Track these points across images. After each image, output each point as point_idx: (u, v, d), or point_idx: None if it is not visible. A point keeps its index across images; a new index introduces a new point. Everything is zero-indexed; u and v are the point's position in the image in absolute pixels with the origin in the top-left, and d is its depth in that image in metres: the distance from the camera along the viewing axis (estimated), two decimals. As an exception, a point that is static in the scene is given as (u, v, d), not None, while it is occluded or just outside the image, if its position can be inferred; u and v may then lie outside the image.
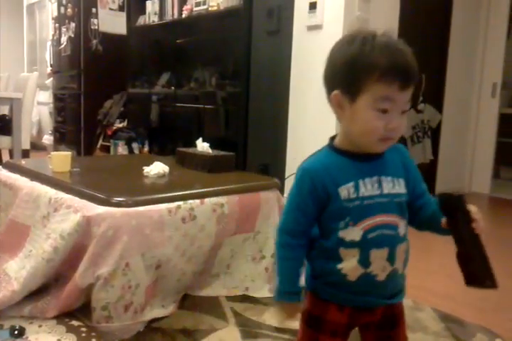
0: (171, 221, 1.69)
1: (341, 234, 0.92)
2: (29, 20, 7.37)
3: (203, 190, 1.89)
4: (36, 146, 6.10)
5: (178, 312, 1.74)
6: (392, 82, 0.85)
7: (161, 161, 2.20)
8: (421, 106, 4.04)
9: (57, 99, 5.74)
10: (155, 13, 4.43)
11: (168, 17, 4.28)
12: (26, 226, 1.84)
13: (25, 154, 3.49)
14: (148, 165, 2.17)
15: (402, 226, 0.95)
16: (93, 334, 1.51)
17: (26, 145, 3.57)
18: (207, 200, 1.82)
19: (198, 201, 1.79)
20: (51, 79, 6.04)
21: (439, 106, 4.20)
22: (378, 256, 0.92)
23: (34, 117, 6.06)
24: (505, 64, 4.39)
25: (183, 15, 4.06)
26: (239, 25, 3.50)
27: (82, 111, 5.14)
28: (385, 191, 0.93)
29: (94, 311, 1.55)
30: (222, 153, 2.33)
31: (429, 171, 4.25)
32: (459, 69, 4.30)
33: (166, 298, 1.75)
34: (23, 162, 2.50)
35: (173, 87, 4.32)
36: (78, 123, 5.21)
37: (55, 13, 5.73)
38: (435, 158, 4.25)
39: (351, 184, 0.91)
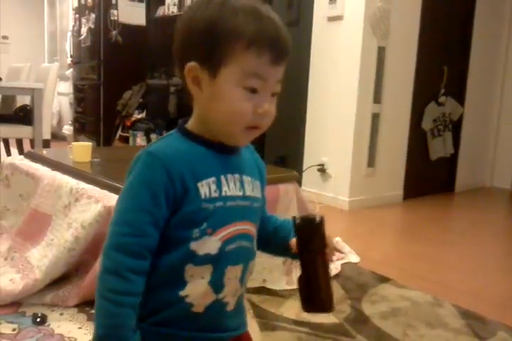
0: (190, 212, 1.69)
1: (193, 246, 0.69)
2: (50, 11, 7.42)
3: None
4: (56, 136, 6.17)
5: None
6: (263, 53, 0.68)
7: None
8: (442, 99, 3.98)
9: (77, 89, 5.78)
10: (174, 4, 4.42)
11: (188, 8, 4.27)
12: (48, 216, 1.87)
13: (46, 144, 3.53)
14: (167, 156, 2.17)
15: (255, 238, 0.78)
16: (113, 323, 1.52)
17: (47, 136, 3.60)
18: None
19: (217, 193, 1.78)
20: (71, 69, 6.09)
21: (460, 99, 4.14)
22: (233, 276, 0.73)
23: (54, 108, 6.12)
24: (530, 56, 4.29)
25: (203, 6, 4.05)
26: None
27: (101, 102, 5.18)
28: (247, 193, 0.75)
29: (114, 300, 1.57)
30: (241, 145, 2.32)
31: (449, 165, 4.20)
32: (482, 61, 4.22)
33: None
34: (44, 152, 2.53)
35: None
36: (98, 114, 5.25)
37: (76, 4, 5.76)
38: (456, 151, 4.19)
39: (212, 179, 0.71)
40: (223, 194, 0.72)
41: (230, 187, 0.73)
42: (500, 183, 4.42)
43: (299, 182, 2.18)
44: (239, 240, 0.74)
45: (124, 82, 5.00)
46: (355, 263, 2.24)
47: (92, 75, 5.35)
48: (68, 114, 6.56)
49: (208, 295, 0.72)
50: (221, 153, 0.75)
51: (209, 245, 0.70)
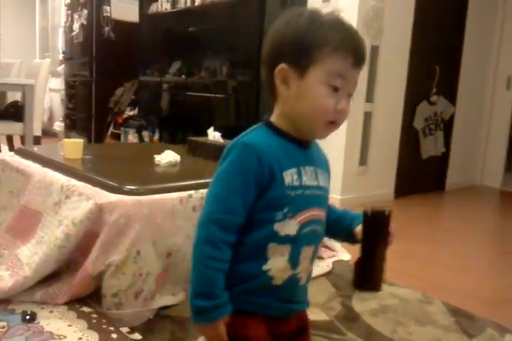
0: (182, 210, 1.69)
1: (276, 227, 0.80)
2: (41, 7, 7.37)
3: (214, 179, 1.89)
4: (47, 133, 6.13)
5: (187, 301, 1.74)
6: (346, 56, 0.80)
7: (172, 150, 2.19)
8: (434, 98, 4.00)
9: (69, 85, 5.74)
10: (167, 1, 4.40)
11: (181, 5, 4.25)
12: (38, 213, 1.86)
13: (37, 141, 3.51)
14: (159, 153, 2.17)
15: (324, 223, 0.90)
16: (103, 320, 1.52)
17: (38, 132, 3.59)
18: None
19: (209, 190, 1.78)
20: (63, 66, 6.05)
21: (452, 99, 4.16)
22: (306, 255, 0.85)
23: (45, 104, 6.08)
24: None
25: (196, 4, 4.04)
26: (252, 13, 3.47)
27: (93, 99, 5.15)
28: (320, 183, 0.87)
29: (104, 298, 1.56)
30: (233, 142, 2.32)
31: (440, 164, 4.22)
32: (474, 61, 4.24)
33: (176, 286, 1.76)
34: (35, 148, 2.51)
35: (183, 76, 4.31)
36: (89, 111, 5.22)
37: (68, 0, 5.72)
38: (447, 150, 4.22)
39: (294, 170, 0.82)
40: (303, 183, 0.83)
41: (308, 177, 0.84)
42: (490, 182, 4.45)
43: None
44: (312, 224, 0.85)
45: (116, 78, 4.97)
46: (346, 261, 2.24)
47: (83, 72, 5.32)
48: (59, 111, 6.51)
49: (286, 270, 0.83)
50: (300, 147, 0.86)
51: (289, 227, 0.81)
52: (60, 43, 6.45)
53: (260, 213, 0.80)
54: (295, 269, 0.84)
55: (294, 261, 0.83)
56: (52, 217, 1.77)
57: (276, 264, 0.82)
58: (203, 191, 1.77)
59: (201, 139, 2.40)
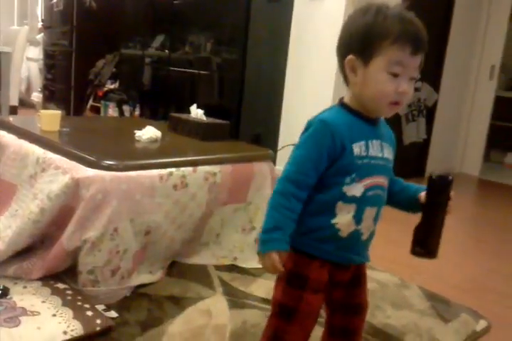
0: (162, 187, 1.65)
1: (345, 188, 0.95)
2: (20, -29, 7.06)
3: (196, 157, 1.85)
4: (24, 103, 5.95)
5: (166, 279, 1.72)
6: (404, 46, 0.91)
7: (153, 126, 2.14)
8: (418, 84, 3.99)
9: (48, 55, 5.56)
10: (153, -29, 4.25)
11: (167, -24, 4.11)
12: (13, 185, 1.79)
13: (13, 111, 3.40)
14: (140, 129, 2.10)
15: (387, 190, 1.04)
16: (79, 297, 1.48)
17: (14, 102, 3.47)
18: (200, 168, 1.78)
19: (190, 169, 1.75)
20: (42, 34, 5.85)
21: (436, 86, 4.16)
22: (369, 215, 0.99)
23: (23, 73, 5.89)
24: (505, 47, 4.33)
25: (183, -25, 3.91)
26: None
27: (73, 70, 5.00)
28: (385, 155, 1.01)
29: (80, 275, 1.53)
30: (216, 120, 2.28)
31: (421, 150, 4.24)
32: (459, 49, 4.23)
33: (154, 265, 1.73)
34: (11, 119, 2.42)
35: (167, 50, 4.20)
36: (68, 82, 5.07)
37: (49, -35, 5.49)
38: (428, 137, 4.23)
39: (363, 142, 0.97)
40: (369, 154, 0.97)
41: (374, 149, 0.98)
42: (469, 170, 4.50)
43: (274, 161, 2.15)
44: (376, 189, 0.99)
45: (98, 50, 4.82)
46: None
47: (63, 41, 5.15)
48: (37, 81, 6.32)
49: (351, 225, 0.98)
50: (369, 124, 0.99)
51: (356, 189, 0.96)
52: (40, 11, 6.22)
53: (332, 177, 0.96)
54: (358, 225, 0.98)
55: (358, 218, 0.98)
56: (28, 190, 1.71)
57: (343, 219, 0.97)
58: (184, 169, 1.73)
59: (183, 116, 2.34)
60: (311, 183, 0.96)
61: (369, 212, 0.99)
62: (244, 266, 1.89)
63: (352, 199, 0.96)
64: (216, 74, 3.87)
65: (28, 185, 1.72)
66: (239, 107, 3.48)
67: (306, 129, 0.98)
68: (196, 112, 2.31)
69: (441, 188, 0.99)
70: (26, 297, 1.46)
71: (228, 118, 2.76)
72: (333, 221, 0.97)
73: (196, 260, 1.88)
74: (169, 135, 2.18)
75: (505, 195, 3.99)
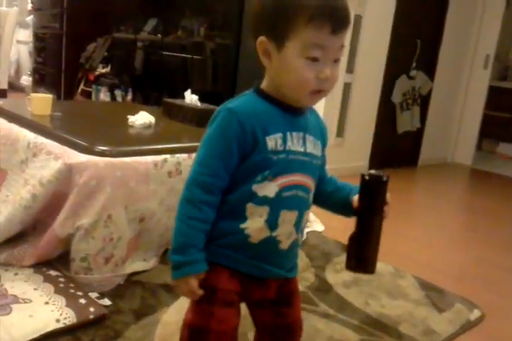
0: (156, 174, 1.62)
1: (255, 187, 0.82)
2: (9, -49, 6.88)
3: (191, 144, 1.81)
4: (14, 87, 5.84)
5: (160, 267, 1.70)
6: (323, 25, 0.77)
7: (146, 111, 2.10)
8: (413, 73, 3.97)
9: (38, 38, 5.44)
10: (146, -48, 4.16)
11: (161, -43, 4.03)
12: (2, 170, 1.75)
13: (2, 94, 3.33)
14: (133, 114, 2.06)
15: (312, 191, 0.89)
16: (71, 285, 1.46)
17: (4, 85, 3.40)
18: (194, 155, 1.74)
19: (185, 155, 1.71)
20: (31, 16, 5.72)
21: (431, 74, 4.14)
22: (287, 219, 0.85)
23: (12, 56, 5.76)
24: (500, 36, 4.31)
25: (177, -43, 3.82)
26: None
27: (63, 53, 4.90)
28: (308, 150, 0.87)
29: (73, 262, 1.50)
30: (211, 106, 2.24)
31: (414, 139, 4.24)
32: (455, 37, 4.21)
33: (148, 252, 1.71)
34: (1, 102, 2.36)
35: (159, 35, 4.13)
36: (59, 66, 4.97)
37: None
38: (422, 126, 4.23)
39: (279, 135, 0.83)
40: (287, 148, 0.83)
41: (294, 142, 0.84)
42: (461, 159, 4.51)
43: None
44: (295, 189, 0.85)
45: (89, 33, 4.71)
46: (320, 232, 2.23)
47: (54, 24, 5.03)
48: (27, 64, 6.19)
49: (263, 230, 0.84)
50: (289, 113, 0.85)
51: (268, 189, 0.82)
52: (29, -8, 6.07)
53: (242, 174, 0.83)
54: (273, 231, 0.84)
55: (271, 223, 0.84)
56: (18, 175, 1.67)
57: (254, 224, 0.83)
58: (179, 156, 1.70)
59: (177, 101, 2.30)
60: (223, 185, 0.82)
61: (287, 216, 0.84)
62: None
63: (264, 201, 0.82)
64: (209, 59, 3.81)
65: (18, 170, 1.68)
66: (232, 92, 3.44)
67: (212, 121, 0.83)
68: (190, 98, 2.28)
69: (375, 190, 0.85)
70: (18, 284, 1.44)
71: (222, 103, 2.73)
72: (242, 225, 0.83)
73: (190, 248, 1.86)
74: (163, 121, 2.15)
75: (496, 185, 4.00)
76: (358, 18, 3.31)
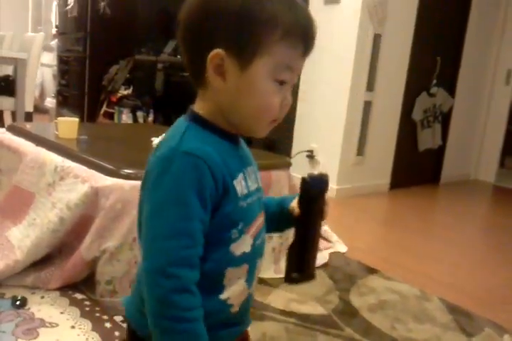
0: (181, 196, 1.63)
1: (233, 247, 0.66)
2: (35, -22, 7.14)
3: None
4: (38, 109, 5.98)
5: None
6: (297, 44, 0.65)
7: (170, 133, 2.12)
8: (434, 90, 3.95)
9: (62, 61, 5.59)
10: (167, -23, 4.26)
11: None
12: (30, 193, 1.79)
13: (28, 117, 3.41)
14: (156, 136, 2.08)
15: None
16: (97, 308, 1.47)
17: (29, 108, 3.48)
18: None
19: (209, 177, 1.73)
20: (56, 40, 5.88)
21: (451, 91, 4.12)
22: (258, 269, 0.73)
23: (37, 79, 5.92)
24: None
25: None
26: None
27: (86, 75, 5.02)
28: (259, 184, 0.74)
29: (98, 285, 1.51)
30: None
31: (436, 157, 4.20)
32: (475, 54, 4.19)
33: (171, 275, 1.71)
34: (28, 126, 2.43)
35: (179, 56, 4.20)
36: (82, 88, 5.09)
37: (63, -28, 5.53)
38: (443, 143, 4.19)
39: (241, 175, 0.68)
40: (250, 189, 0.69)
41: (252, 180, 0.70)
42: (484, 176, 4.44)
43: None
44: (261, 233, 0.72)
45: (111, 56, 4.83)
46: (343, 253, 2.21)
47: (77, 47, 5.16)
48: (51, 86, 6.36)
49: (243, 292, 0.70)
50: (233, 144, 0.70)
51: (244, 244, 0.67)
52: (54, 17, 6.27)
53: (214, 235, 0.64)
54: (250, 288, 0.72)
55: (250, 279, 0.71)
56: (46, 198, 1.70)
57: (234, 290, 0.68)
58: (203, 178, 1.72)
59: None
60: (201, 252, 0.63)
61: (259, 265, 0.73)
62: (261, 276, 1.87)
63: (242, 259, 0.68)
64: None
65: (46, 194, 1.72)
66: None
67: (164, 170, 0.61)
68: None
69: (317, 191, 0.78)
70: (44, 307, 1.45)
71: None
72: (222, 296, 0.67)
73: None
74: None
75: (521, 203, 3.93)
76: (378, 37, 3.33)
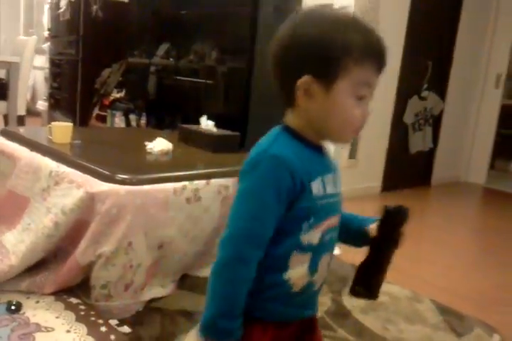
0: (175, 201, 1.65)
1: (302, 237, 0.79)
2: (26, -20, 7.12)
3: (209, 170, 1.85)
4: (30, 112, 5.95)
5: (177, 293, 1.72)
6: (371, 63, 0.77)
7: (162, 137, 2.14)
8: (424, 94, 4.00)
9: (54, 64, 5.57)
10: (160, -19, 4.28)
11: (173, -14, 4.14)
12: (25, 198, 1.79)
13: (21, 120, 3.41)
14: (150, 140, 2.11)
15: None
16: (92, 312, 1.48)
17: (22, 111, 3.48)
18: (213, 181, 1.77)
19: (203, 182, 1.75)
20: (48, 43, 5.87)
21: (442, 94, 4.16)
22: (325, 262, 0.84)
23: (29, 82, 5.90)
24: (511, 54, 4.34)
25: (189, -15, 3.93)
26: (245, -2, 3.39)
27: (78, 78, 5.01)
28: (338, 189, 0.85)
29: (93, 289, 1.53)
30: (227, 132, 2.28)
31: (427, 159, 4.24)
32: (465, 58, 4.24)
33: (166, 278, 1.73)
34: (21, 130, 2.43)
35: (172, 59, 4.21)
36: (74, 91, 5.07)
37: (55, -25, 5.52)
38: (434, 146, 4.23)
39: (319, 179, 0.80)
40: (326, 192, 0.81)
41: (330, 185, 0.82)
42: (474, 179, 4.49)
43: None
44: (331, 232, 0.84)
45: (104, 59, 4.83)
46: (336, 256, 2.23)
47: (69, 50, 5.15)
48: (43, 89, 6.34)
49: (305, 277, 0.82)
50: (319, 154, 0.83)
51: (313, 236, 0.80)
52: (46, 20, 6.25)
53: (288, 224, 0.78)
54: (313, 276, 0.83)
55: (313, 268, 0.82)
56: (40, 203, 1.71)
57: (296, 273, 0.81)
58: (198, 182, 1.73)
59: (193, 127, 2.34)
60: (270, 237, 0.77)
61: (325, 259, 0.84)
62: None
63: (308, 248, 0.80)
64: (222, 82, 3.88)
65: (40, 198, 1.72)
66: (245, 117, 3.49)
67: (251, 169, 0.77)
68: (206, 124, 2.32)
69: (397, 222, 0.87)
70: (39, 312, 1.46)
71: (234, 128, 2.77)
72: (286, 276, 0.80)
73: (207, 273, 1.87)
74: (180, 147, 2.19)
75: (510, 204, 3.97)
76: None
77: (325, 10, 0.80)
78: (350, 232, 0.92)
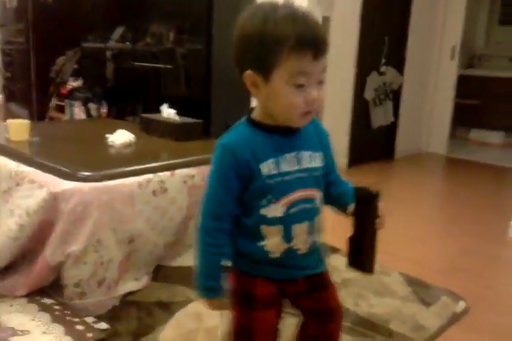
0: (141, 195, 1.65)
1: (263, 211, 0.92)
2: (-34, -35, 6.74)
3: (173, 161, 1.84)
4: (-17, 105, 5.75)
5: (152, 285, 1.73)
6: (304, 53, 0.82)
7: (124, 128, 2.11)
8: (383, 69, 4.04)
9: (5, 53, 5.36)
10: (108, -37, 4.13)
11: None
12: (-14, 201, 1.75)
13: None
14: (111, 132, 2.08)
15: (319, 199, 0.98)
16: (67, 312, 1.48)
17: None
18: (177, 172, 1.77)
19: (168, 173, 1.74)
20: (-5, 32, 5.62)
21: (400, 69, 4.22)
22: (300, 231, 0.94)
23: (-21, 74, 5.66)
24: (465, 25, 4.41)
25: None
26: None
27: (32, 68, 4.84)
28: (304, 166, 0.94)
29: (66, 288, 1.52)
30: (189, 120, 2.26)
31: (389, 133, 4.32)
32: (421, 31, 4.29)
33: (139, 271, 1.73)
34: (-24, 128, 2.35)
35: (128, 42, 4.11)
36: (29, 81, 4.91)
37: (-4, -41, 5.26)
38: (395, 119, 4.31)
39: (271, 160, 0.90)
40: (281, 170, 0.90)
41: (288, 164, 0.91)
42: (436, 149, 4.61)
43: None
44: (301, 204, 0.93)
45: (57, 46, 4.65)
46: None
47: (19, 38, 4.96)
48: (-5, 81, 6.10)
49: (281, 244, 0.93)
50: (281, 136, 0.91)
51: (275, 210, 0.91)
52: (-9, 7, 5.96)
53: (249, 201, 0.92)
54: (290, 243, 0.93)
55: (287, 237, 0.93)
56: (3, 205, 1.68)
57: (271, 241, 0.93)
58: (162, 174, 1.73)
59: (155, 116, 2.31)
60: (231, 210, 0.93)
61: (299, 228, 0.94)
62: (230, 265, 1.91)
63: (275, 221, 0.92)
64: (181, 65, 3.81)
65: (2, 201, 1.69)
66: (208, 100, 3.46)
67: (213, 155, 0.93)
68: (168, 112, 2.29)
69: (364, 205, 0.94)
70: (14, 316, 1.45)
71: (197, 112, 2.74)
72: (261, 244, 0.93)
73: (180, 262, 1.89)
74: (142, 137, 2.16)
75: (472, 172, 4.10)
76: (326, 20, 3.35)
77: (262, 7, 0.85)
78: (340, 206, 1.02)
